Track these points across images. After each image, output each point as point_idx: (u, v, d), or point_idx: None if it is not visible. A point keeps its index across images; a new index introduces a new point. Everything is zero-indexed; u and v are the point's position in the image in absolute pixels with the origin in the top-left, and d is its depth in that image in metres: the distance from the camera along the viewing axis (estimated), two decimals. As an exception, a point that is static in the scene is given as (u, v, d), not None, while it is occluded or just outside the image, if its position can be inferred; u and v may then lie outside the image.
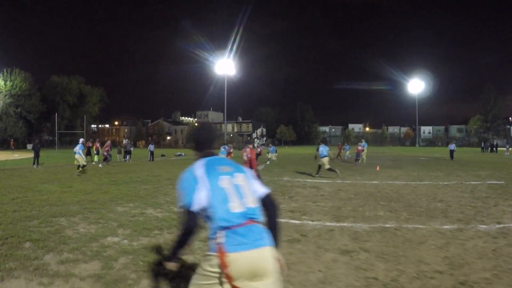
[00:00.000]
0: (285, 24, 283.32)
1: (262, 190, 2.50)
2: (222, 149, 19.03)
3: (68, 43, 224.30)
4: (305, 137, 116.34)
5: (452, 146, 32.50)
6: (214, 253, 2.19)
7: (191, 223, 2.30)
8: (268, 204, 2.47)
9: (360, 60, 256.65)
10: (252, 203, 2.36)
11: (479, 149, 59.77)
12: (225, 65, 72.60)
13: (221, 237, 2.19)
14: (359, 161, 24.68)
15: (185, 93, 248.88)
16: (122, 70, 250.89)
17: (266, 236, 2.29)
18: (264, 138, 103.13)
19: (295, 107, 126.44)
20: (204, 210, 2.30)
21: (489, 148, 55.60)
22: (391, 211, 8.41)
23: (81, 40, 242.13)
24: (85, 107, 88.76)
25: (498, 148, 56.52)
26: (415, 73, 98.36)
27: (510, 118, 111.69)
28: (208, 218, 2.31)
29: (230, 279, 2.14)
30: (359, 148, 25.20)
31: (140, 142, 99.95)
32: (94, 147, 27.98)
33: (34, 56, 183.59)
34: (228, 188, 2.34)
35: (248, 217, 2.28)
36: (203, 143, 2.68)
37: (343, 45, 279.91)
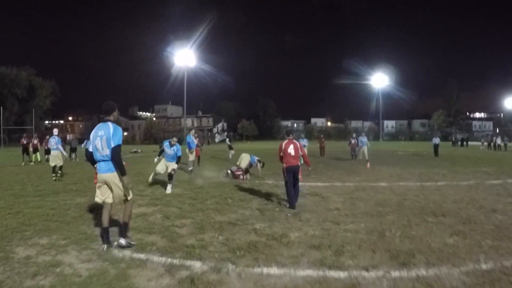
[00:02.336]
0: (246, 18, 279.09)
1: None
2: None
3: (19, 33, 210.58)
4: (267, 132, 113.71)
5: (436, 140, 28.23)
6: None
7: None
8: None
9: (323, 54, 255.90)
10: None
11: (450, 143, 59.30)
12: (185, 57, 68.50)
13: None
14: (356, 156, 23.38)
15: (143, 87, 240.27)
16: (77, 63, 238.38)
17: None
18: (225, 133, 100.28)
19: (257, 102, 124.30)
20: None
21: (460, 143, 55.04)
22: (457, 234, 5.69)
23: (33, 30, 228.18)
24: (35, 100, 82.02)
25: (469, 142, 55.98)
26: (378, 68, 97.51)
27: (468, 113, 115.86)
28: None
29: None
30: (353, 142, 24.34)
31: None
32: (30, 145, 22.95)
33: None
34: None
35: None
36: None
37: (305, 39, 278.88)
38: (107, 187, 5.12)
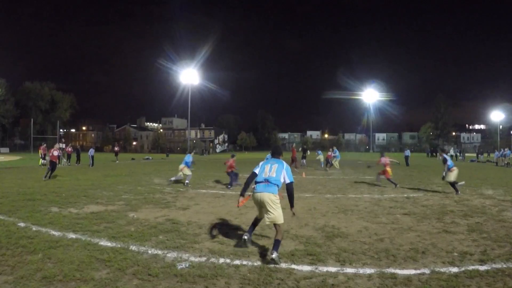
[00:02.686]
0: (246, 37, 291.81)
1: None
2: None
3: (40, 49, 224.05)
4: (265, 143, 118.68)
5: (407, 152, 34.03)
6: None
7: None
8: None
9: (319, 70, 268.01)
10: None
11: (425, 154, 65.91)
12: (189, 75, 77.51)
13: None
14: (330, 166, 25.92)
15: (151, 100, 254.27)
16: (90, 76, 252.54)
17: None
18: (226, 144, 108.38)
19: (256, 115, 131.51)
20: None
21: (430, 154, 61.93)
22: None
23: (52, 46, 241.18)
24: (56, 112, 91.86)
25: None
26: (370, 83, 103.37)
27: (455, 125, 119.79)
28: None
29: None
30: (329, 154, 26.55)
31: (106, 147, 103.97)
32: (40, 151, 29.39)
33: (7, 62, 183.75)
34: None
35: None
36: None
37: (301, 58, 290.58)
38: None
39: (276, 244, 5.35)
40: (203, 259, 5.56)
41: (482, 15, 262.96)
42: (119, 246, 6.14)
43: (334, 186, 15.91)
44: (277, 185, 5.69)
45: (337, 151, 26.65)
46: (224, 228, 7.63)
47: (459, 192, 12.89)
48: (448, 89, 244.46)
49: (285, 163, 5.97)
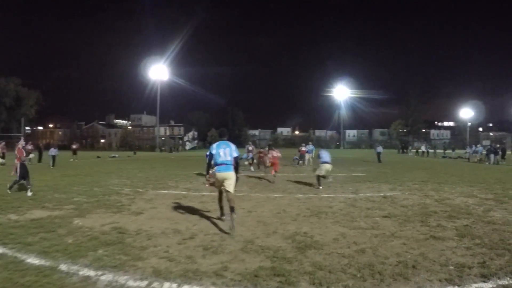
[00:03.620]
0: (217, 33, 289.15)
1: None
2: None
3: (5, 43, 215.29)
4: (235, 140, 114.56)
5: (379, 149, 32.55)
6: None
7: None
8: None
9: (290, 66, 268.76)
10: None
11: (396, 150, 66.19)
12: (159, 71, 76.12)
13: None
14: (303, 162, 25.21)
15: (121, 97, 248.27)
16: (57, 72, 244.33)
17: None
18: (196, 141, 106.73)
19: (227, 111, 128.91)
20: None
21: (401, 150, 62.47)
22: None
23: (16, 40, 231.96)
24: (21, 109, 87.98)
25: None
26: (342, 80, 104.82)
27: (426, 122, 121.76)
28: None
29: None
30: (303, 149, 25.93)
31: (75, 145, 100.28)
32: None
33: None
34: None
35: None
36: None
37: (272, 54, 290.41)
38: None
39: (232, 209, 6.92)
40: (143, 284, 4.44)
41: (451, 13, 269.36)
42: (47, 264, 5.08)
43: (306, 184, 14.91)
44: (232, 165, 7.35)
45: (312, 146, 25.93)
46: (178, 238, 6.49)
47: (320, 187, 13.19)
48: (418, 86, 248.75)
49: (232, 145, 7.50)
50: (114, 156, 46.63)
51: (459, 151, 45.25)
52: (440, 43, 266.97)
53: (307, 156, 25.66)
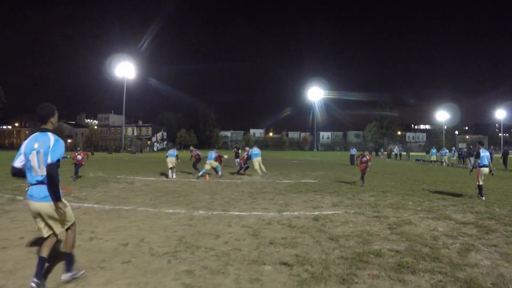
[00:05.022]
0: (187, 31, 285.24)
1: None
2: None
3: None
4: (206, 141, 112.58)
5: (353, 151, 31.62)
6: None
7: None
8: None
9: (264, 67, 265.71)
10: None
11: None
12: (126, 68, 72.14)
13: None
14: (245, 169, 19.27)
15: (91, 95, 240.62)
16: (22, 69, 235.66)
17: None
18: (165, 142, 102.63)
19: (198, 112, 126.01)
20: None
21: (374, 152, 60.86)
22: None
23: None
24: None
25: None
26: (316, 81, 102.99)
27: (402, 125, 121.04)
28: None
29: None
30: (243, 155, 19.58)
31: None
32: None
33: None
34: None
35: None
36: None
37: (245, 54, 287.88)
38: (42, 220, 4.08)
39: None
40: None
41: (429, 15, 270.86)
42: None
43: (230, 194, 11.29)
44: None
45: (256, 149, 18.80)
46: None
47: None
48: (394, 89, 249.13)
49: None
50: (65, 157, 42.06)
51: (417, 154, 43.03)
52: (417, 46, 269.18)
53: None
